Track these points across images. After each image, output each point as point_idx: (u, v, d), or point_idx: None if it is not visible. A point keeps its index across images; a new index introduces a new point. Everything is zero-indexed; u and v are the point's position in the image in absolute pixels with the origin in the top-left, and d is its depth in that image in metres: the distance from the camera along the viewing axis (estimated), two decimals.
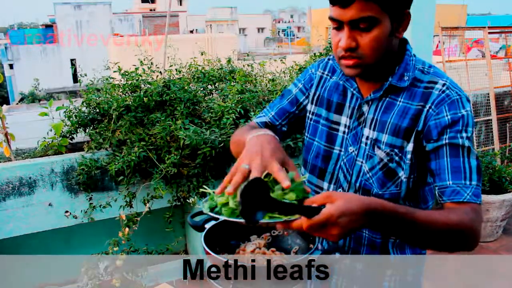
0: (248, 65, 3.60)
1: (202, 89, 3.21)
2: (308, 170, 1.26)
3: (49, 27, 25.38)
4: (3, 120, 2.71)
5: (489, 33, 4.77)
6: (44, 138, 2.79)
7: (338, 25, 1.02)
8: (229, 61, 3.62)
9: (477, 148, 4.64)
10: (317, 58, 3.19)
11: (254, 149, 0.98)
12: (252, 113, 2.80)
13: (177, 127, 2.63)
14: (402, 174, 1.10)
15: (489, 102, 4.71)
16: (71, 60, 21.72)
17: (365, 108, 1.15)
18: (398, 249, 1.18)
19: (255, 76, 3.49)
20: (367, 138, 1.13)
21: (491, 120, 4.71)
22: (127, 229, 2.50)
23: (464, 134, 1.04)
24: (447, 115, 1.05)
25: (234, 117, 2.74)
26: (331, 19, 1.03)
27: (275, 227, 0.90)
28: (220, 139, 2.61)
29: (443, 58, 4.54)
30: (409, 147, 1.08)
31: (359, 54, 1.02)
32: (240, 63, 3.72)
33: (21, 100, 19.27)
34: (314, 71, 1.29)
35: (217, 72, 3.45)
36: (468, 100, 1.08)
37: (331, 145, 1.20)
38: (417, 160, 1.09)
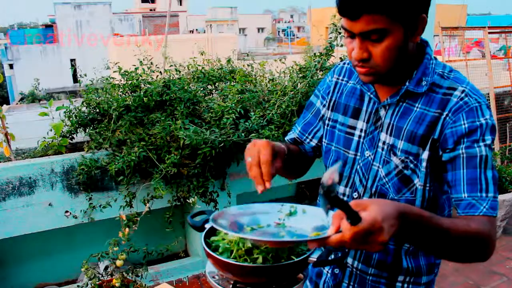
0: (248, 65, 3.60)
1: (202, 89, 3.20)
2: None
3: (49, 27, 25.37)
4: (3, 120, 2.71)
5: (489, 33, 4.77)
6: (44, 138, 2.79)
7: (351, 34, 1.01)
8: (229, 61, 3.62)
9: None
10: (317, 58, 3.18)
11: (252, 146, 1.06)
12: (252, 113, 2.80)
13: (177, 127, 2.62)
14: (417, 182, 1.08)
15: (489, 102, 4.71)
16: (71, 60, 21.71)
17: (382, 112, 1.13)
18: (412, 257, 1.16)
19: (255, 76, 3.49)
20: (383, 143, 1.12)
21: None
22: (127, 229, 2.50)
23: (481, 143, 1.01)
24: (464, 124, 1.02)
25: (234, 117, 2.74)
26: (343, 28, 1.01)
27: (306, 245, 0.85)
28: (220, 139, 2.61)
29: (443, 58, 4.54)
30: (425, 155, 1.06)
31: (371, 64, 1.01)
32: (240, 63, 3.72)
33: (21, 100, 19.26)
34: (331, 78, 1.28)
35: (217, 72, 3.45)
36: (489, 107, 1.06)
37: (347, 150, 1.19)
38: (432, 168, 1.07)
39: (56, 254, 3.19)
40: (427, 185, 1.08)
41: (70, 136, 2.90)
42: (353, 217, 0.77)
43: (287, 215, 1.03)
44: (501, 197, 3.56)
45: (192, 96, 2.91)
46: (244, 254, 0.99)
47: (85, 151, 2.77)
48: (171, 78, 3.17)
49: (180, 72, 3.38)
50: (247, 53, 4.28)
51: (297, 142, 1.34)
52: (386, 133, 1.11)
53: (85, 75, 3.11)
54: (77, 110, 2.86)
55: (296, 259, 0.99)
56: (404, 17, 0.97)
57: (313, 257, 1.01)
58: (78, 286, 2.58)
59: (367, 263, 1.18)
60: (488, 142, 1.02)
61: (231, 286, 1.04)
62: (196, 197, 2.81)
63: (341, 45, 3.17)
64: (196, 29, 36.48)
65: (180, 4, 42.31)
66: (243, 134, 2.69)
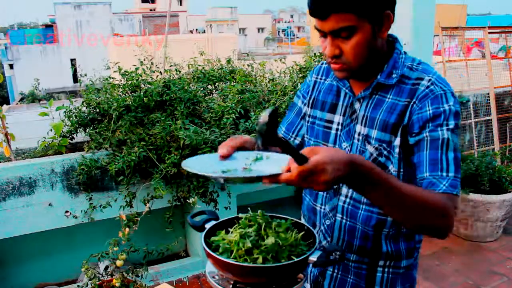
0: (248, 65, 3.60)
1: (202, 89, 3.20)
2: None
3: (49, 27, 25.37)
4: (3, 120, 2.71)
5: (489, 33, 4.77)
6: (44, 138, 2.78)
7: (323, 33, 1.09)
8: (229, 61, 3.62)
9: (477, 148, 4.64)
10: (317, 58, 3.19)
11: None
12: (252, 113, 2.80)
13: (177, 127, 2.63)
14: (392, 168, 1.14)
15: (489, 102, 4.71)
16: (71, 60, 21.70)
17: (357, 105, 1.20)
18: (392, 241, 1.22)
19: (255, 76, 3.49)
20: (359, 134, 1.19)
21: (491, 120, 4.71)
22: (127, 229, 2.50)
23: (444, 128, 1.07)
24: (429, 110, 1.09)
25: (234, 117, 2.74)
26: (316, 29, 1.09)
27: (261, 181, 0.92)
28: (220, 139, 2.61)
29: (443, 58, 4.54)
30: (397, 141, 1.13)
31: (343, 60, 1.09)
32: (240, 63, 3.72)
33: (21, 100, 19.24)
34: (310, 78, 1.38)
35: (217, 72, 3.45)
36: (453, 95, 1.11)
37: (326, 143, 1.27)
38: (405, 154, 1.13)
39: (56, 254, 3.19)
40: (401, 170, 1.14)
41: (70, 136, 2.90)
42: (298, 158, 0.87)
43: (253, 161, 1.08)
44: (501, 197, 3.56)
45: (192, 96, 2.91)
46: (244, 254, 1.00)
47: (85, 151, 2.77)
48: (171, 78, 3.17)
49: (180, 72, 3.38)
50: (247, 53, 4.28)
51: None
52: (361, 125, 1.18)
53: (85, 75, 3.11)
54: (77, 110, 2.86)
55: (296, 259, 0.99)
56: (370, 14, 1.04)
57: (313, 258, 1.01)
58: (78, 286, 2.58)
59: (349, 250, 1.24)
60: (451, 126, 1.08)
61: (231, 286, 1.04)
62: (196, 197, 2.81)
63: None
64: (196, 29, 36.48)
65: (180, 4, 42.31)
66: (243, 134, 2.69)
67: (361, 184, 0.94)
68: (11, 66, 22.26)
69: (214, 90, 3.37)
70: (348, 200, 1.22)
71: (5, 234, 2.64)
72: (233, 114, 2.74)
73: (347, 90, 1.22)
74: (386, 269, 1.24)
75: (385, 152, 1.14)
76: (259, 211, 1.14)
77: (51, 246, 3.15)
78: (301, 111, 1.37)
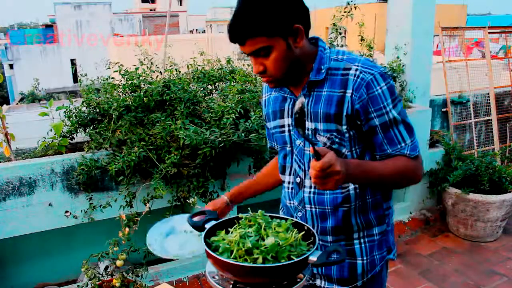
0: (248, 65, 3.60)
1: (202, 89, 3.20)
2: (280, 171, 1.49)
3: (49, 27, 25.36)
4: (3, 120, 2.71)
5: (489, 33, 4.77)
6: (44, 138, 2.78)
7: (247, 54, 1.23)
8: (229, 61, 3.62)
9: (477, 148, 4.64)
10: None
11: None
12: (252, 113, 2.80)
13: (177, 127, 2.62)
14: (345, 150, 1.29)
15: (489, 102, 4.71)
16: (71, 60, 21.69)
17: None
18: (361, 214, 1.35)
19: (255, 76, 3.49)
20: (308, 129, 1.31)
21: (491, 120, 4.71)
22: (127, 229, 2.50)
23: (387, 108, 1.23)
24: (366, 96, 1.22)
25: (234, 117, 2.73)
26: (241, 51, 1.24)
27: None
28: (220, 139, 2.61)
29: (443, 58, 4.54)
30: (344, 128, 1.25)
31: (269, 74, 1.24)
32: (240, 63, 3.72)
33: (21, 100, 19.22)
34: (262, 97, 1.52)
35: (217, 72, 3.45)
36: (382, 74, 1.23)
37: (285, 145, 1.42)
38: (358, 134, 1.27)
39: (56, 254, 3.19)
40: (353, 148, 1.29)
41: (70, 136, 2.90)
42: (317, 154, 1.04)
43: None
44: (501, 197, 3.56)
45: (192, 96, 2.91)
46: (244, 254, 1.00)
47: (85, 151, 2.77)
48: (171, 78, 3.17)
49: (180, 72, 3.38)
50: None
51: (273, 149, 1.57)
52: (308, 120, 1.31)
53: (85, 75, 3.11)
54: (77, 110, 2.86)
55: (296, 259, 0.99)
56: (279, 32, 1.17)
57: (313, 258, 1.01)
58: (78, 286, 2.58)
59: (324, 232, 1.37)
60: (391, 105, 1.23)
61: (231, 286, 1.04)
62: (196, 197, 2.81)
63: (341, 46, 3.17)
64: (196, 29, 36.47)
65: (180, 4, 42.29)
66: (243, 134, 2.69)
67: (356, 174, 1.16)
68: (11, 66, 22.24)
69: (214, 90, 3.37)
70: (312, 190, 1.36)
71: (5, 234, 2.63)
72: (233, 114, 2.73)
73: (288, 95, 1.36)
74: (362, 240, 1.37)
75: (337, 140, 1.27)
76: (259, 211, 1.15)
77: (51, 246, 3.15)
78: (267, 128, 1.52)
